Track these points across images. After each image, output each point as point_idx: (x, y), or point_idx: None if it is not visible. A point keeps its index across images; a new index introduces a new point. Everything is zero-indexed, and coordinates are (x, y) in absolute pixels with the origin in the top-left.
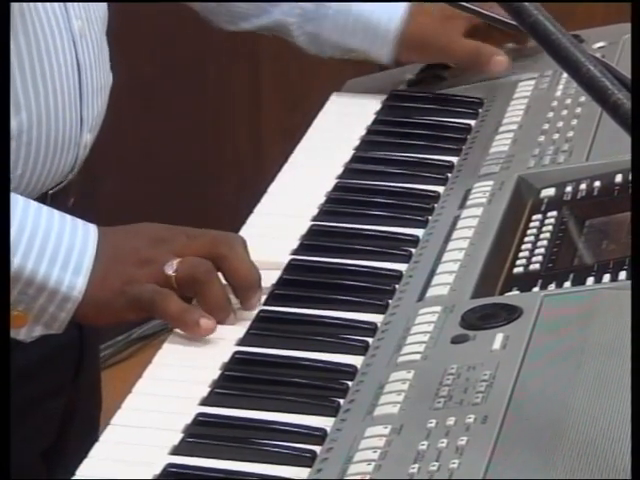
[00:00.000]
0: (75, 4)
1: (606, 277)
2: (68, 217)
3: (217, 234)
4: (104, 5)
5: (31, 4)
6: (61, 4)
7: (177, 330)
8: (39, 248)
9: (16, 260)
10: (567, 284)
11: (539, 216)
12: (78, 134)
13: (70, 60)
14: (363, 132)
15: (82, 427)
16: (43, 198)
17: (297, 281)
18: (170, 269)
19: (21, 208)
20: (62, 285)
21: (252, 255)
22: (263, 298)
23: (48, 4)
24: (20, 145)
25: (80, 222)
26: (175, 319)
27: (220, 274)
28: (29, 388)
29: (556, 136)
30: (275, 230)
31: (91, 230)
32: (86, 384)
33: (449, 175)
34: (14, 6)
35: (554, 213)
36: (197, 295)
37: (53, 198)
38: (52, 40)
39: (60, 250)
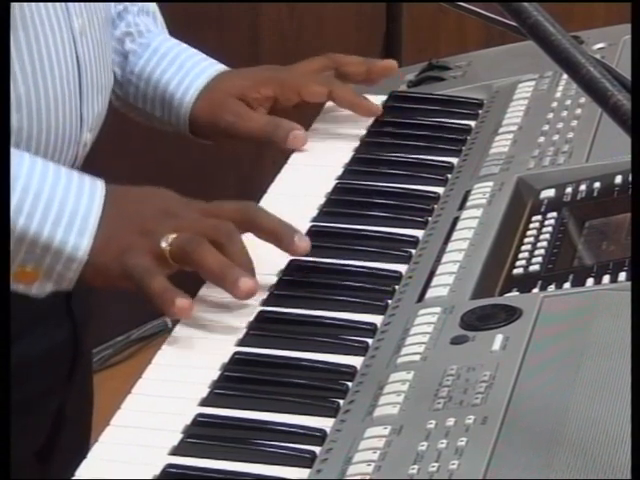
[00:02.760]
0: (76, 3)
1: (606, 278)
2: (75, 176)
3: (236, 204)
4: (107, 5)
5: (32, 3)
6: (62, 3)
7: (177, 331)
8: (43, 209)
9: (20, 220)
10: (567, 285)
11: (539, 217)
12: (78, 133)
13: (70, 58)
14: (363, 133)
15: (74, 427)
16: None
17: (297, 282)
18: (164, 243)
19: (27, 167)
20: (67, 246)
21: (252, 255)
22: (263, 298)
23: (49, 3)
24: (19, 142)
25: (87, 180)
26: (153, 296)
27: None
28: (22, 388)
29: (556, 137)
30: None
31: (98, 189)
32: (79, 385)
33: (449, 176)
34: (14, 4)
35: (554, 214)
36: (193, 267)
37: None
38: (52, 38)
39: (65, 211)
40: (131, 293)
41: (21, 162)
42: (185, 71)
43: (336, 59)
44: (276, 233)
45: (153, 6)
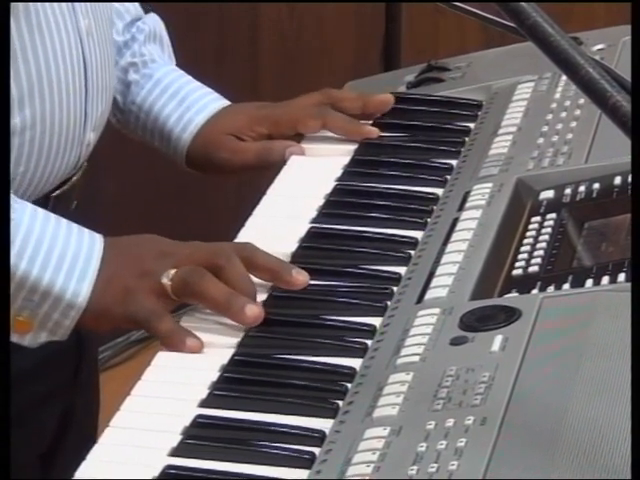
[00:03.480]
0: (82, 4)
1: (605, 279)
2: (75, 226)
3: (217, 246)
4: (111, 5)
5: (38, 3)
6: (69, 3)
7: None
8: (45, 255)
9: (22, 266)
10: (566, 286)
11: (538, 218)
12: (82, 132)
13: (77, 58)
14: None
15: (80, 430)
16: (46, 201)
17: None
18: (165, 278)
19: (29, 215)
20: (67, 292)
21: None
22: (262, 301)
23: (55, 3)
24: (23, 142)
25: (87, 231)
26: (163, 339)
27: None
28: (27, 391)
29: (555, 138)
30: (274, 232)
31: (97, 239)
32: (84, 387)
33: (448, 177)
34: (20, 4)
35: (553, 215)
36: (196, 299)
37: (56, 201)
38: (59, 38)
39: (66, 257)
40: None
41: (23, 210)
42: (185, 107)
43: (332, 95)
44: (274, 270)
45: (160, 28)
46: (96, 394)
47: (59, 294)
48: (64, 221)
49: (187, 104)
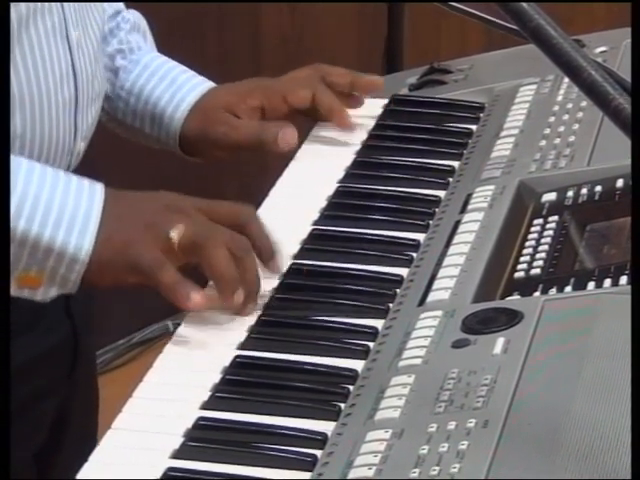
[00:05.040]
0: (73, 14)
1: (607, 282)
2: (74, 178)
3: (233, 206)
4: (102, 14)
5: (30, 13)
6: (60, 14)
7: (178, 334)
8: (43, 212)
9: (21, 224)
10: (568, 289)
11: (540, 221)
12: (72, 142)
13: (66, 69)
14: (364, 136)
15: (77, 430)
16: None
17: (298, 285)
18: (174, 233)
19: (25, 171)
20: (69, 247)
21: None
22: (263, 302)
23: (47, 14)
24: (13, 151)
25: (86, 183)
26: (167, 289)
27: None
28: (21, 389)
29: (557, 141)
30: (276, 234)
31: (97, 191)
32: (81, 386)
33: (450, 179)
34: (12, 15)
35: (555, 218)
36: (201, 261)
37: None
38: (48, 49)
39: (65, 213)
40: (132, 296)
41: (19, 167)
42: (176, 87)
43: (322, 69)
44: (260, 246)
45: (144, 24)
46: (94, 395)
47: (61, 249)
48: (62, 174)
49: (177, 85)
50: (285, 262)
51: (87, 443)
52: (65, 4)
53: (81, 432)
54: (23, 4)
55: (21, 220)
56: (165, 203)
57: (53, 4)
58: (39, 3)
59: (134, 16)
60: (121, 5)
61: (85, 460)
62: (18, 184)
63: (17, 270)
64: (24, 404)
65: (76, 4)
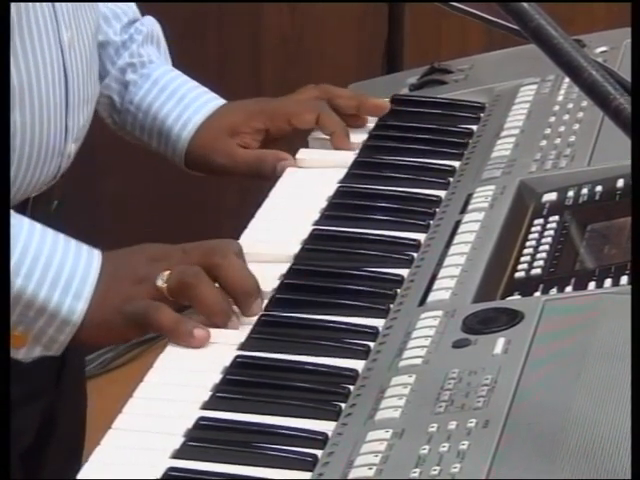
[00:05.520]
0: (65, 15)
1: (607, 282)
2: (73, 241)
3: (211, 244)
4: (96, 15)
5: (21, 14)
6: (52, 14)
7: None
8: (41, 271)
9: (18, 282)
10: (569, 289)
11: (541, 221)
12: (62, 144)
13: (58, 71)
14: (365, 136)
15: (64, 431)
16: (25, 202)
17: (298, 285)
18: (160, 281)
19: (26, 230)
20: (62, 309)
21: (254, 259)
22: (264, 303)
23: (39, 14)
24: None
25: (85, 247)
26: (169, 330)
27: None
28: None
29: (558, 141)
30: (277, 234)
31: (95, 256)
32: (68, 389)
33: (451, 179)
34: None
35: (556, 218)
36: (191, 301)
37: (35, 202)
38: (40, 51)
39: (62, 274)
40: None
41: (20, 225)
42: (184, 105)
43: (328, 90)
44: (235, 289)
45: (157, 30)
46: (81, 399)
47: (54, 311)
48: (62, 236)
49: (185, 103)
50: (286, 263)
51: (74, 447)
52: (57, 6)
53: (68, 436)
54: (12, 6)
55: (18, 278)
56: (150, 255)
57: (45, 6)
58: (29, 5)
59: (149, 25)
60: (136, 13)
61: (71, 463)
62: (19, 242)
63: None
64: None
65: (69, 5)
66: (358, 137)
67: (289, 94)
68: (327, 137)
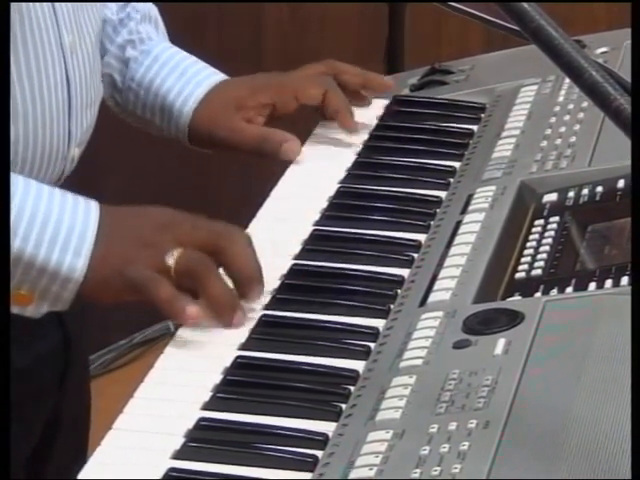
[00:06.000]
0: (67, 19)
1: (608, 282)
2: (69, 196)
3: (221, 227)
4: (98, 19)
5: (21, 18)
6: (52, 18)
7: (179, 335)
8: (38, 231)
9: (16, 243)
10: (569, 289)
11: (541, 221)
12: (65, 148)
13: (60, 76)
14: (365, 137)
15: (70, 435)
16: None
17: (299, 286)
18: (170, 258)
19: (21, 189)
20: (62, 267)
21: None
22: (265, 302)
23: (40, 19)
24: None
25: (82, 201)
26: (163, 304)
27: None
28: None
29: (558, 141)
30: (277, 235)
31: (92, 209)
32: (73, 393)
33: (451, 180)
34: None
35: (556, 218)
36: (198, 289)
37: None
38: (42, 55)
39: (60, 232)
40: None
41: (15, 184)
42: (185, 80)
43: (334, 66)
44: (237, 274)
45: (155, 12)
46: (86, 401)
47: (55, 269)
48: (58, 192)
49: (187, 77)
50: (286, 263)
51: (78, 448)
52: (58, 9)
53: (73, 437)
54: (13, 11)
55: (17, 239)
56: (158, 220)
57: (46, 10)
58: (30, 10)
59: (145, 6)
60: None
61: (75, 466)
62: (15, 202)
63: None
64: (16, 409)
65: (70, 8)
66: (358, 137)
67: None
68: (331, 132)
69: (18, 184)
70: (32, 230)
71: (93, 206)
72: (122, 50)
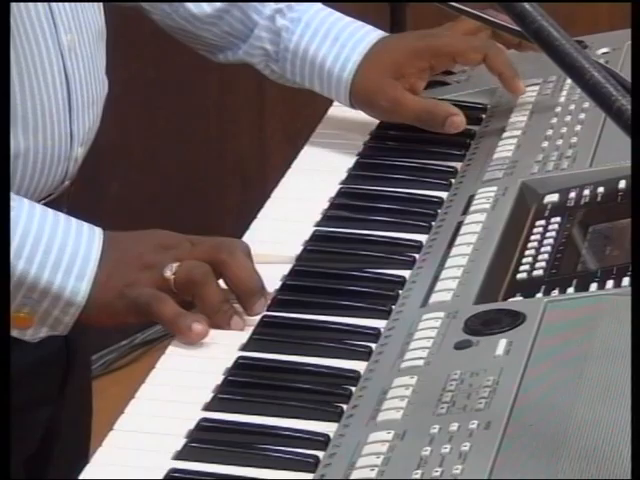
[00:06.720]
0: (64, 18)
1: (609, 283)
2: (74, 221)
3: (220, 240)
4: (98, 16)
5: (17, 19)
6: (49, 18)
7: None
8: (43, 254)
9: (20, 265)
10: (570, 290)
11: (542, 222)
12: (68, 149)
13: (58, 75)
14: (366, 138)
15: (71, 436)
16: None
17: (300, 286)
18: (169, 272)
19: (26, 212)
20: (65, 291)
21: (256, 260)
22: (266, 304)
23: (35, 20)
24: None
25: (86, 226)
26: (169, 322)
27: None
28: (13, 397)
29: (560, 142)
30: (278, 235)
31: (96, 234)
32: (74, 394)
33: (452, 181)
34: None
35: (557, 219)
36: (195, 298)
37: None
38: (39, 55)
39: (64, 256)
40: None
41: (20, 207)
42: (340, 45)
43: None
44: (239, 288)
45: None
46: (88, 402)
47: (58, 293)
48: (62, 216)
49: (341, 42)
50: (288, 264)
51: (79, 449)
52: (55, 9)
53: (74, 439)
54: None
55: (20, 261)
56: (160, 242)
57: (41, 9)
58: (25, 11)
59: None
60: None
61: (77, 467)
62: (20, 224)
63: None
64: (16, 412)
65: (68, 7)
66: (360, 138)
67: (293, 97)
68: (332, 132)
69: (23, 207)
70: (36, 252)
71: (97, 232)
72: (272, 20)
